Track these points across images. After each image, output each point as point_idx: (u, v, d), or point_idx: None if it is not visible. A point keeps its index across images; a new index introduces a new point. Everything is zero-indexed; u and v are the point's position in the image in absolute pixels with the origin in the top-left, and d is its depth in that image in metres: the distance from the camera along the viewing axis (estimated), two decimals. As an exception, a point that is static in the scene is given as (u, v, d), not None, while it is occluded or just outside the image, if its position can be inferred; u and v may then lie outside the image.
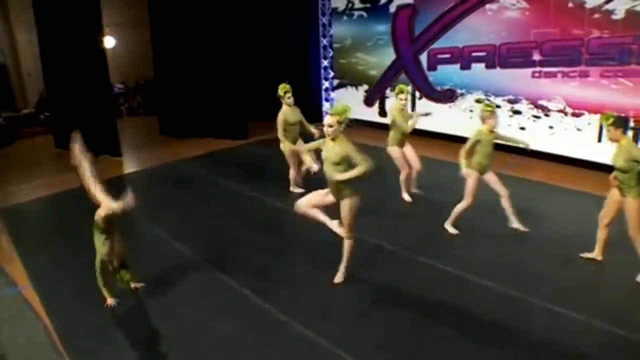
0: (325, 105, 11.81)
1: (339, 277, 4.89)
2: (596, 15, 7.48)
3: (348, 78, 11.37)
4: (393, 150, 6.85)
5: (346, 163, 4.43)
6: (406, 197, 6.92)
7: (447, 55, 9.54)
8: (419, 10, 9.75)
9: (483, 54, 9.01)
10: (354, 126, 10.88)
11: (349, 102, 11.16)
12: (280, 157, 7.62)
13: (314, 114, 11.93)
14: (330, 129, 4.39)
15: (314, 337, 4.08)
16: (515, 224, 5.82)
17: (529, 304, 4.45)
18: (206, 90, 10.78)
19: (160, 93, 11.34)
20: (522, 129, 8.71)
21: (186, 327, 4.24)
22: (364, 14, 10.66)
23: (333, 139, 4.44)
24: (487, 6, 8.74)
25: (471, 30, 9.07)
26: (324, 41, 11.32)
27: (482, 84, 9.17)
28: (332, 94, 11.75)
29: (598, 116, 7.77)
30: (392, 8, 10.16)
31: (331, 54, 11.44)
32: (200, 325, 4.27)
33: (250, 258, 5.49)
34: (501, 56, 8.77)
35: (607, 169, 7.60)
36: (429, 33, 9.70)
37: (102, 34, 9.23)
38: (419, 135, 9.62)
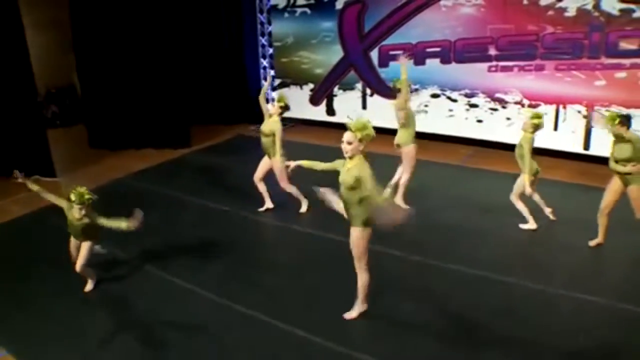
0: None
1: (352, 313, 4.53)
2: (550, 12, 8.05)
3: (291, 77, 11.08)
4: (411, 149, 6.61)
5: (363, 186, 3.92)
6: (402, 204, 6.69)
7: (399, 52, 9.53)
8: (369, 7, 9.76)
9: (438, 49, 9.27)
10: (294, 125, 10.76)
11: (292, 101, 10.75)
12: (238, 165, 7.34)
13: (253, 115, 11.47)
14: (348, 147, 3.92)
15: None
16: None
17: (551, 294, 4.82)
18: (140, 96, 9.85)
19: (87, 102, 10.11)
20: (480, 121, 9.15)
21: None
22: (308, 10, 10.42)
23: (350, 158, 3.98)
24: (442, 2, 8.98)
25: (425, 27, 9.28)
26: (263, 40, 10.88)
27: (438, 79, 9.45)
28: (274, 94, 11.34)
29: (554, 106, 8.51)
30: (339, 4, 10.04)
31: (271, 52, 11.03)
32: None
33: (261, 279, 5.26)
34: (457, 51, 9.09)
35: (564, 155, 8.29)
36: (380, 29, 9.76)
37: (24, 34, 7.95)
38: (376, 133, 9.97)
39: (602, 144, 7.98)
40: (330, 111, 10.83)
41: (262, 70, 11.13)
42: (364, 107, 10.41)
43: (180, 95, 9.95)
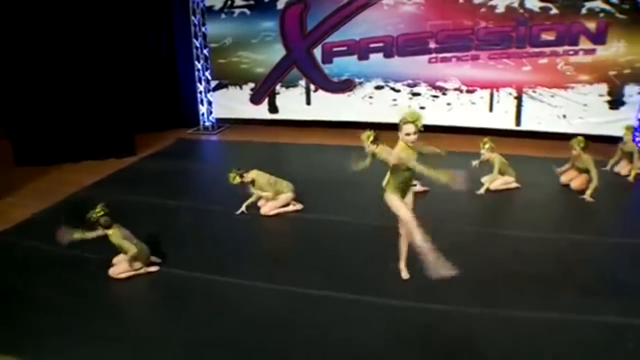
0: (202, 109, 11.14)
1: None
2: (483, 9, 9.45)
3: (229, 78, 11.04)
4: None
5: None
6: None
7: (344, 48, 10.38)
8: (311, 6, 10.26)
9: (381, 44, 10.17)
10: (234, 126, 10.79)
11: (233, 101, 11.23)
12: (197, 166, 8.48)
13: (190, 118, 11.18)
14: (414, 137, 4.38)
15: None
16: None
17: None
18: (72, 105, 8.98)
19: (9, 114, 8.84)
20: (422, 108, 10.14)
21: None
22: (247, 11, 10.52)
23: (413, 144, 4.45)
24: (384, 1, 9.89)
25: (368, 24, 10.10)
26: (197, 42, 10.64)
27: (381, 72, 10.34)
28: (211, 96, 11.16)
29: (489, 90, 9.88)
30: (281, 4, 10.36)
31: (206, 54, 10.83)
32: None
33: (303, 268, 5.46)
34: (399, 46, 10.07)
35: (499, 133, 9.67)
36: (323, 28, 10.34)
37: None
38: (318, 126, 10.68)
39: (530, 120, 9.80)
40: (273, 109, 11.07)
41: (196, 73, 10.87)
42: (308, 102, 10.90)
43: (117, 102, 9.30)
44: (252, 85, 11.02)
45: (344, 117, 10.52)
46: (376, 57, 10.27)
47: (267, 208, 6.73)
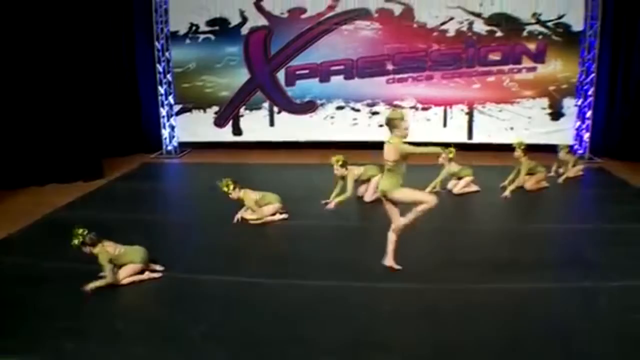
0: (164, 133, 11.19)
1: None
2: (435, 33, 10.36)
3: (193, 102, 11.19)
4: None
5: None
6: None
7: (306, 71, 10.89)
8: (274, 32, 10.73)
9: (341, 67, 10.78)
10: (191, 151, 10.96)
11: (197, 125, 11.46)
12: (170, 187, 8.90)
13: (153, 143, 11.17)
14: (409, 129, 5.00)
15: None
16: None
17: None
18: (36, 128, 8.81)
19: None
20: (381, 126, 10.65)
21: None
22: (211, 36, 10.81)
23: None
24: (344, 27, 10.55)
25: (329, 48, 10.72)
26: (160, 67, 10.79)
27: (342, 93, 10.91)
28: (174, 120, 11.23)
29: (442, 108, 10.65)
30: (245, 30, 10.76)
31: (168, 79, 10.97)
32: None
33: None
34: (358, 68, 10.72)
35: (453, 146, 10.30)
36: (286, 52, 10.82)
37: None
38: (282, 147, 11.11)
39: (481, 133, 10.62)
40: (237, 131, 11.30)
41: (160, 97, 10.96)
42: (272, 124, 11.21)
43: (81, 126, 9.24)
44: (216, 108, 11.21)
45: (307, 137, 10.98)
46: (337, 79, 10.85)
47: (250, 214, 6.94)
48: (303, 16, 10.58)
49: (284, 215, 7.04)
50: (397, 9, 10.33)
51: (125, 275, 5.20)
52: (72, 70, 9.10)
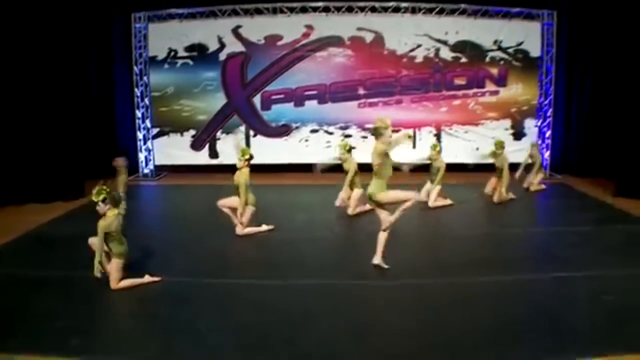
0: (141, 156, 11.22)
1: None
2: (404, 60, 10.91)
3: (171, 125, 11.31)
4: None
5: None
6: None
7: (281, 96, 11.21)
8: (251, 58, 11.05)
9: (315, 92, 11.16)
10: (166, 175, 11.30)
11: (174, 148, 11.60)
12: (152, 205, 8.95)
13: (130, 166, 11.12)
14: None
15: None
16: None
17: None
18: (15, 148, 8.78)
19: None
20: (353, 148, 11.00)
21: None
22: (190, 62, 11.05)
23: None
24: (318, 54, 10.98)
25: (304, 74, 11.11)
26: (137, 91, 10.92)
27: (316, 117, 11.25)
28: (151, 143, 11.30)
29: (412, 130, 11.03)
30: (223, 56, 11.05)
31: (146, 103, 11.10)
32: None
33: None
34: (331, 93, 11.13)
35: (422, 167, 10.66)
36: (262, 77, 11.13)
37: None
38: (257, 169, 10.97)
39: (449, 154, 11.02)
40: (214, 154, 11.43)
41: (137, 121, 11.05)
42: (248, 147, 11.22)
43: (61, 147, 9.24)
44: (193, 132, 11.36)
45: (282, 159, 11.22)
46: (311, 104, 11.21)
47: (240, 229, 7.04)
48: (279, 43, 10.95)
49: (271, 226, 7.23)
50: (369, 37, 10.84)
51: (115, 273, 5.21)
52: (52, 93, 9.13)
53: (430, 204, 8.35)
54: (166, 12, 10.83)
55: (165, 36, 10.89)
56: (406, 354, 4.03)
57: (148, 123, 11.28)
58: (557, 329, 4.31)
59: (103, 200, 5.18)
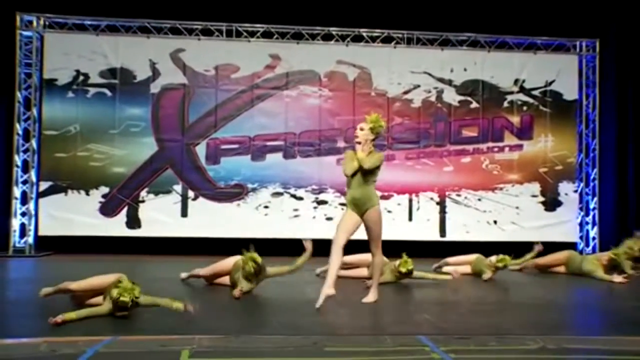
0: (14, 224, 7.16)
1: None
2: (397, 104, 8.04)
3: (70, 179, 7.55)
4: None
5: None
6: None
7: (235, 146, 7.89)
8: (195, 93, 7.76)
9: (280, 142, 7.88)
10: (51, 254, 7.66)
11: (73, 212, 7.71)
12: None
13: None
14: (360, 133, 4.36)
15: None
16: None
17: None
18: None
19: None
20: (329, 219, 7.74)
21: None
22: (107, 92, 7.61)
23: (359, 144, 4.39)
24: (285, 93, 7.85)
25: (265, 118, 7.94)
26: (20, 127, 7.07)
27: (280, 176, 7.91)
28: (33, 205, 7.27)
29: (407, 196, 8.03)
30: (155, 88, 7.71)
31: (32, 145, 7.22)
32: None
33: None
34: (302, 145, 7.90)
35: (420, 246, 7.47)
36: (209, 120, 7.82)
37: None
38: (197, 245, 7.72)
39: (457, 229, 7.83)
40: (134, 222, 7.65)
41: (16, 169, 7.07)
42: (184, 214, 7.73)
43: None
44: (104, 190, 7.63)
45: (232, 232, 7.50)
46: (274, 158, 7.92)
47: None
48: (234, 75, 7.86)
49: None
50: (351, 73, 7.97)
51: None
52: None
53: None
54: (76, 19, 7.52)
55: (73, 53, 7.60)
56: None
57: (33, 175, 7.45)
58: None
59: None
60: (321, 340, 3.21)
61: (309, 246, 4.78)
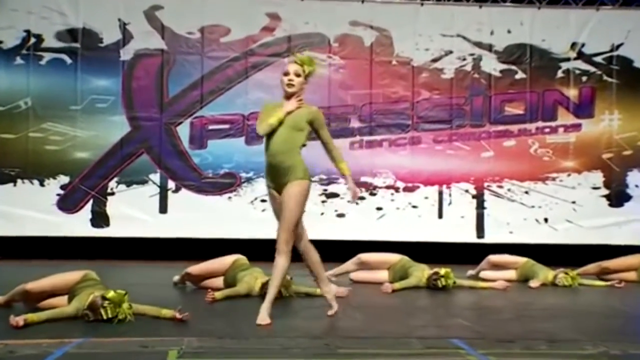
0: None
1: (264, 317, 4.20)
2: (424, 74, 8.57)
3: (19, 167, 8.09)
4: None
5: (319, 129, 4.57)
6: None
7: (225, 126, 8.45)
8: (176, 61, 8.25)
9: (280, 122, 8.15)
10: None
11: (22, 207, 8.08)
12: None
13: None
14: (296, 79, 4.22)
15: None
16: None
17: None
18: None
19: None
20: (341, 216, 8.37)
21: None
22: (66, 58, 8.14)
23: (292, 95, 4.28)
24: (286, 60, 8.04)
25: (262, 92, 8.17)
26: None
27: (280, 163, 8.18)
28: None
29: (436, 188, 8.54)
30: (127, 54, 8.18)
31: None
32: None
33: None
34: (307, 125, 8.15)
35: (453, 249, 7.82)
36: (193, 94, 8.34)
37: None
38: (177, 246, 8.27)
39: (498, 228, 8.35)
40: (100, 220, 8.15)
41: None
42: (164, 210, 8.26)
43: None
44: (64, 179, 8.15)
45: (222, 232, 8.04)
46: None
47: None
48: (223, 39, 8.34)
49: None
50: (368, 37, 8.44)
51: None
52: None
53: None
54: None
55: (21, 8, 8.08)
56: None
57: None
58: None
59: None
60: (333, 342, 3.46)
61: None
